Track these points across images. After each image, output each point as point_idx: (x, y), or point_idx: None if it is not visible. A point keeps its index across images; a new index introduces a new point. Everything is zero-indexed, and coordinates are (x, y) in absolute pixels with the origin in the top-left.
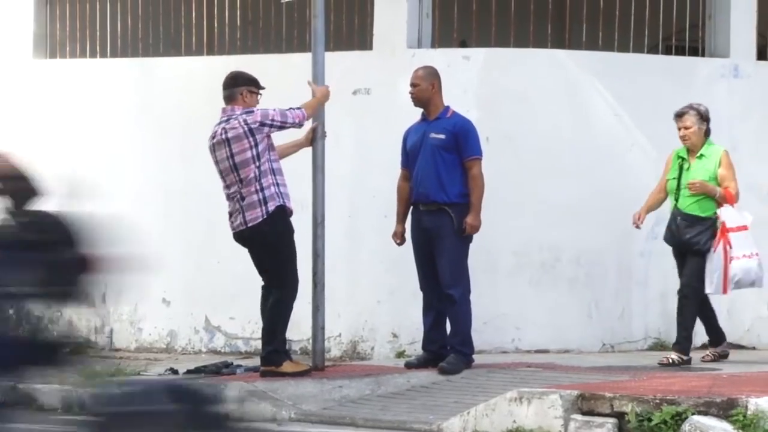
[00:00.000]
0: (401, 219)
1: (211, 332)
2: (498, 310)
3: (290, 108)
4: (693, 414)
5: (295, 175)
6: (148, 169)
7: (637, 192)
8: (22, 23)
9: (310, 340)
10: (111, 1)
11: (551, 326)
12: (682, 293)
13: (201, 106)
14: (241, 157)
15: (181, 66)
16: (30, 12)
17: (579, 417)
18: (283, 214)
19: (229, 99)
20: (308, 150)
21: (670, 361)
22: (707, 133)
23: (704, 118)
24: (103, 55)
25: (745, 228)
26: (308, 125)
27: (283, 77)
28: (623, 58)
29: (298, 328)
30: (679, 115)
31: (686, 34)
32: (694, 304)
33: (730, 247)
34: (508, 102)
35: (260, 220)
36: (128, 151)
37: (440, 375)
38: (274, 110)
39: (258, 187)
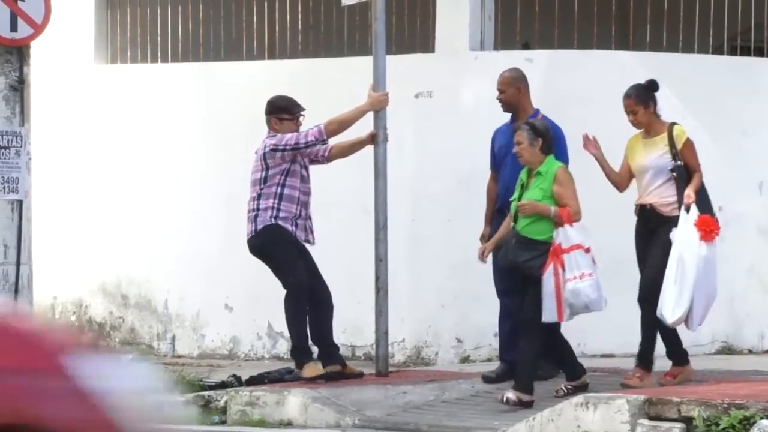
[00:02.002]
0: (489, 221)
1: (273, 338)
2: None
3: (311, 128)
4: (761, 418)
5: (357, 179)
6: (209, 174)
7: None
8: (83, 28)
9: (374, 346)
10: (171, 6)
11: (617, 331)
12: (520, 328)
13: (262, 110)
14: (253, 177)
15: (241, 70)
16: (91, 17)
17: (646, 422)
18: (273, 229)
19: (266, 124)
20: (370, 154)
21: (506, 399)
22: (544, 149)
23: (539, 133)
24: (164, 60)
25: (578, 247)
26: (368, 127)
27: (344, 81)
28: (687, 59)
29: (362, 334)
30: (514, 131)
31: (751, 34)
32: (536, 336)
33: (563, 270)
34: (571, 105)
35: (250, 235)
36: (189, 157)
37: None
38: (292, 135)
39: (255, 206)
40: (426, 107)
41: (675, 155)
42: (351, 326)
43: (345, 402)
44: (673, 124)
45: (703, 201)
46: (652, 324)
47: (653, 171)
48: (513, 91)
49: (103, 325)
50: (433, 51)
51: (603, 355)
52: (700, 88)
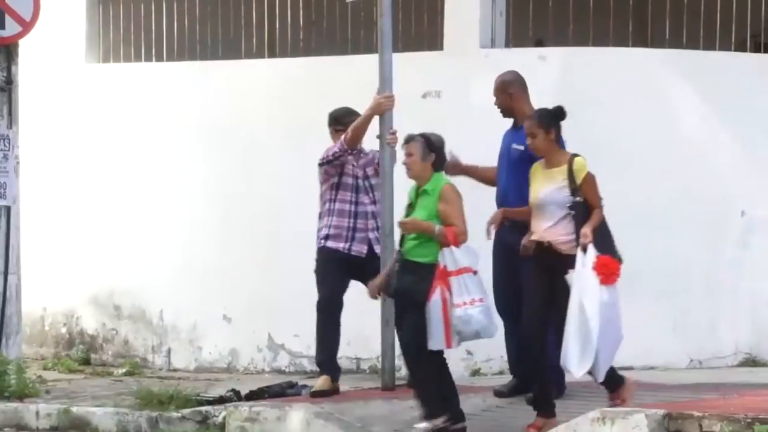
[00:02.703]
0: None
1: (274, 350)
2: None
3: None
4: None
5: None
6: (206, 178)
7: (725, 200)
8: (74, 26)
9: (380, 358)
10: (167, 2)
11: (634, 341)
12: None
13: (262, 111)
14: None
15: (240, 69)
16: (82, 14)
17: None
18: (321, 251)
19: None
20: None
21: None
22: (436, 165)
23: (433, 148)
24: (159, 58)
25: (467, 270)
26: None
27: (348, 81)
28: (709, 57)
29: (367, 345)
30: (406, 141)
31: None
32: (426, 362)
33: (450, 294)
34: (587, 105)
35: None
36: (186, 160)
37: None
38: (327, 148)
39: (317, 227)
40: (434, 108)
41: (575, 190)
42: (356, 338)
43: (349, 417)
44: (575, 156)
45: (604, 240)
46: (541, 365)
47: (551, 205)
48: (504, 98)
49: (95, 338)
50: (441, 49)
51: (620, 368)
52: (722, 86)
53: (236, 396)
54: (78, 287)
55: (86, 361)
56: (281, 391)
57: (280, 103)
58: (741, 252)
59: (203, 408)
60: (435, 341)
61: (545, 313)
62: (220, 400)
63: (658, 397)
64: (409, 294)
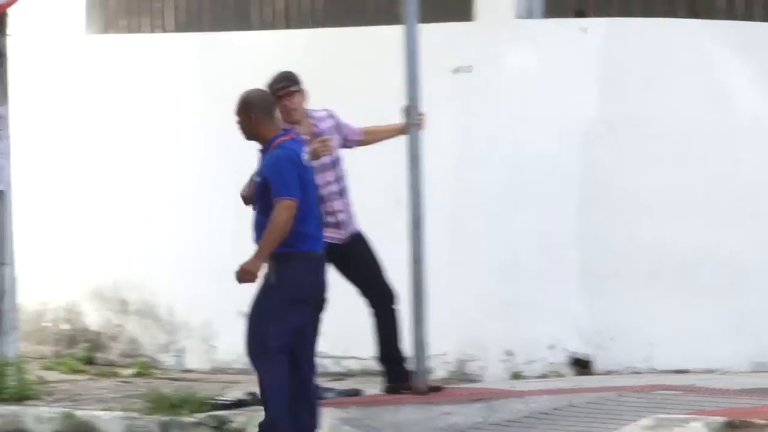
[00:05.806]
0: None
1: None
2: (628, 324)
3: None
4: None
5: (388, 169)
6: (218, 161)
7: None
8: None
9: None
10: None
11: (691, 342)
12: None
13: None
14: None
15: (252, 42)
16: None
17: None
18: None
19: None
20: (402, 139)
21: None
22: None
23: None
24: (164, 29)
25: None
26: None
27: (370, 54)
28: (766, 29)
29: None
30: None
31: None
32: None
33: None
34: (633, 81)
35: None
36: (195, 142)
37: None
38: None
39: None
40: (465, 84)
41: None
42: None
43: (379, 424)
44: None
45: None
46: None
47: None
48: (243, 120)
49: (99, 335)
50: (473, 19)
51: (675, 371)
52: None
53: (255, 399)
54: (80, 280)
55: (90, 361)
56: None
57: None
58: None
59: (219, 412)
60: None
61: None
62: (238, 404)
63: (718, 403)
64: None
